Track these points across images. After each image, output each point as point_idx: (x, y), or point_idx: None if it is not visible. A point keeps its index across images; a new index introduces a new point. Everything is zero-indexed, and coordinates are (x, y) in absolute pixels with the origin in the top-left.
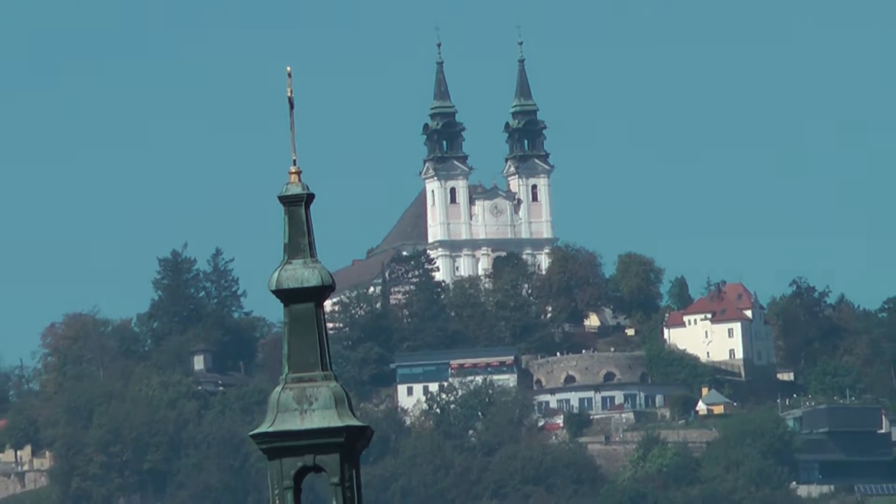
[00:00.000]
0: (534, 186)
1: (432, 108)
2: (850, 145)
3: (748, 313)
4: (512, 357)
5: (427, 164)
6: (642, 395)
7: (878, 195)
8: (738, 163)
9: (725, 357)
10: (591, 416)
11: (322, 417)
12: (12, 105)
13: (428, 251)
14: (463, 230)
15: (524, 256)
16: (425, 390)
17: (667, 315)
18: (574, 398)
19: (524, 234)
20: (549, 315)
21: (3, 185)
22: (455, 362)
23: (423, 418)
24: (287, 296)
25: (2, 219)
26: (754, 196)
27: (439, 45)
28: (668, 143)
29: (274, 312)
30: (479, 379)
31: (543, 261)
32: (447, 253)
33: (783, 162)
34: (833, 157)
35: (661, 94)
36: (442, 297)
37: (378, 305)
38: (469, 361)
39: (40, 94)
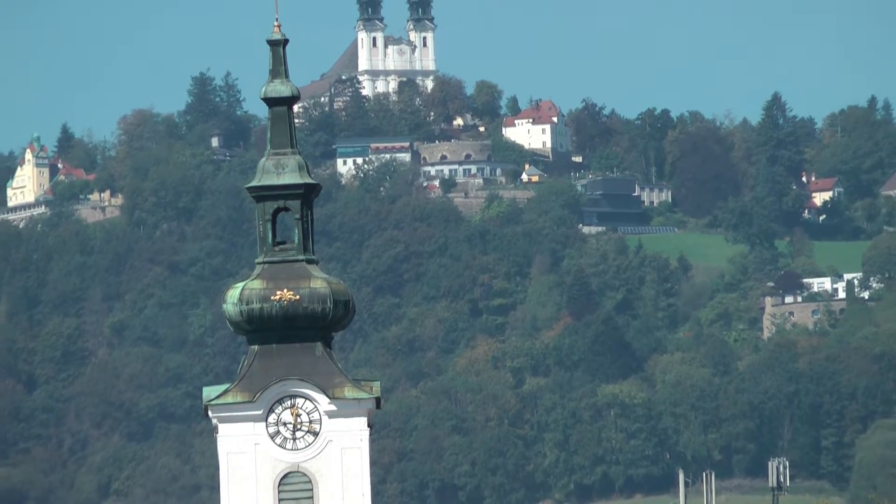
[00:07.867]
0: (424, 38)
1: None
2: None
3: (555, 119)
4: (408, 143)
5: (359, 22)
6: (488, 168)
7: (640, 37)
8: (550, 15)
9: (540, 146)
10: (456, 181)
11: (290, 177)
12: None
13: (358, 76)
14: (380, 64)
15: (418, 81)
16: (354, 162)
17: (504, 119)
18: (446, 169)
19: (418, 68)
20: (431, 118)
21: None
22: (373, 145)
23: (352, 180)
24: (270, 102)
25: (95, 44)
26: (559, 36)
27: None
28: (507, 6)
29: (262, 111)
30: (387, 156)
31: (429, 85)
32: (370, 78)
33: (578, 10)
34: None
35: None
36: (366, 105)
37: (326, 109)
38: (382, 145)
39: None
